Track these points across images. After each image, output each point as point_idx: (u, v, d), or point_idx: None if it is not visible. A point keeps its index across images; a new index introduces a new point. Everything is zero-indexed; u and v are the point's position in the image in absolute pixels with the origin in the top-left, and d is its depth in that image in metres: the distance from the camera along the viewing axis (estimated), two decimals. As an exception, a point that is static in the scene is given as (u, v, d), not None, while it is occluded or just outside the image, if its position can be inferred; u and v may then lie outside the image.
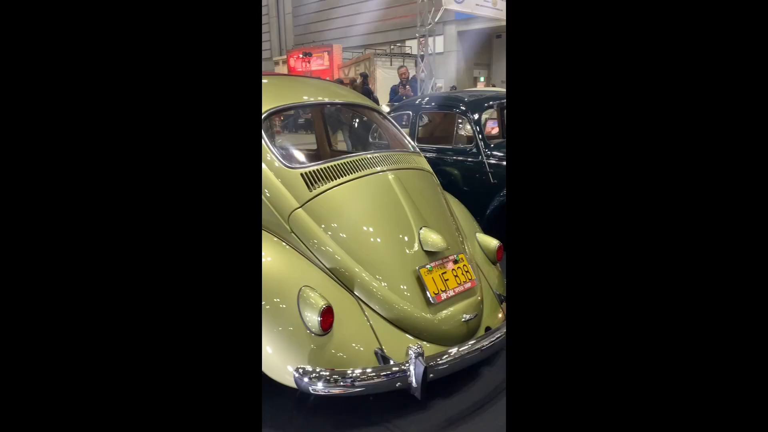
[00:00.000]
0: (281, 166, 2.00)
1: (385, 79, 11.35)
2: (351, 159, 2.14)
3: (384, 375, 1.64)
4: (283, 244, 1.92)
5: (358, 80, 10.39)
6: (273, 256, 1.87)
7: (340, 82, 10.01)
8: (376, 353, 1.72)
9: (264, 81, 2.60)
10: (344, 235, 1.92)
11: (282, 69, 15.17)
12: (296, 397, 1.83)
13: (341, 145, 4.52)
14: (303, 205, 1.93)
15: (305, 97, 2.55)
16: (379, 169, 2.15)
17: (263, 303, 1.70)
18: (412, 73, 9.20)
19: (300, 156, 2.37)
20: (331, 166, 2.06)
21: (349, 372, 1.63)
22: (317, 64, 13.78)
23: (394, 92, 7.83)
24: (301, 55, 14.10)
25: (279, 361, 1.65)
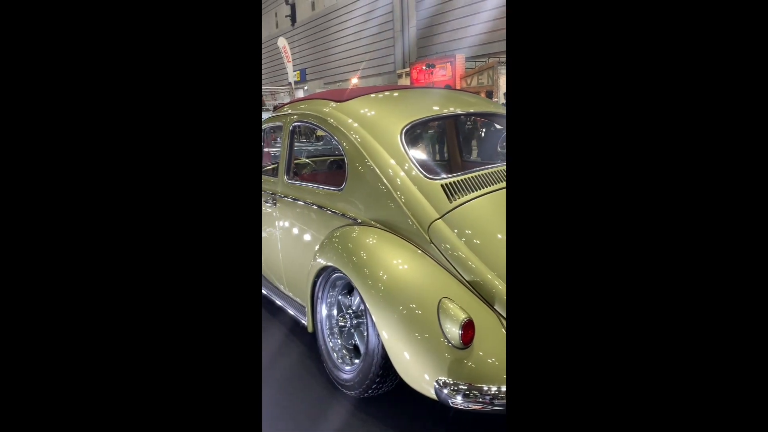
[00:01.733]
0: (420, 176, 2.01)
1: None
2: (491, 170, 2.10)
3: (526, 396, 1.57)
4: (420, 252, 1.93)
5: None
6: (410, 264, 1.89)
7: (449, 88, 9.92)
8: (517, 372, 1.65)
9: (395, 94, 2.66)
10: (483, 246, 1.88)
11: (405, 81, 15.53)
12: (436, 409, 1.83)
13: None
14: (443, 216, 1.93)
15: (435, 108, 2.54)
16: None
17: (400, 308, 1.73)
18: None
19: (437, 167, 2.38)
20: (472, 177, 2.04)
21: (485, 388, 1.58)
22: (439, 75, 13.84)
23: None
24: (424, 67, 14.29)
25: (416, 369, 1.66)
